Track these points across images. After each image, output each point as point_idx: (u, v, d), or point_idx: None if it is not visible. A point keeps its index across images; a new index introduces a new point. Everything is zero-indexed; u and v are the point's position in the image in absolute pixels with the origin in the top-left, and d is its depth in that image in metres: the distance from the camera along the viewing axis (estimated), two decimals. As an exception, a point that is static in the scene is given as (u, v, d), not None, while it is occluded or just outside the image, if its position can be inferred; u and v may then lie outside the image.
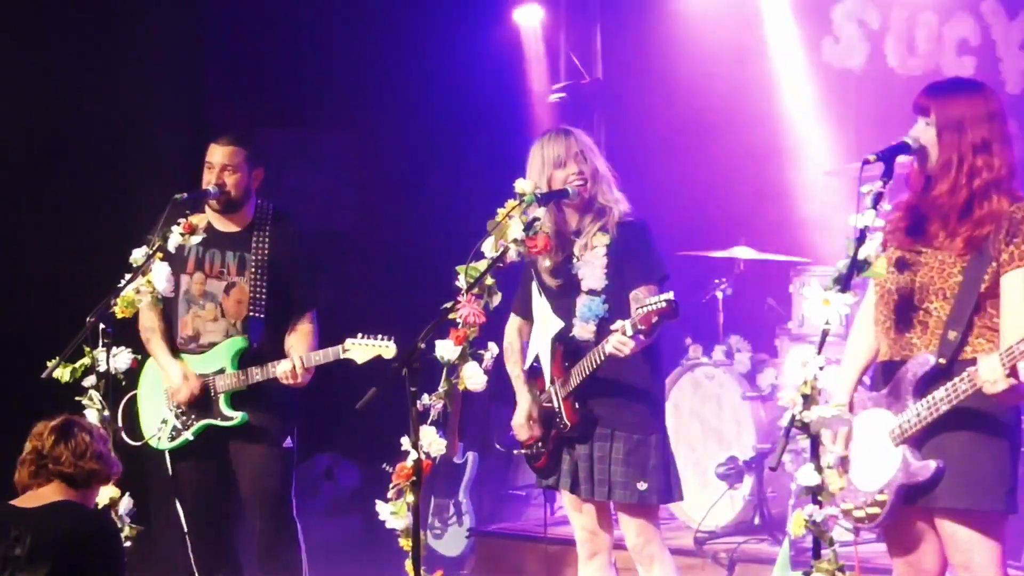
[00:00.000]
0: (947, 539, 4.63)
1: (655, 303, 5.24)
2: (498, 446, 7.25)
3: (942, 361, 4.54)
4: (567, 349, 5.65)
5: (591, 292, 5.62)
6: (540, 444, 5.76)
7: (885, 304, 4.73)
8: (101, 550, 4.75)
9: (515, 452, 5.99)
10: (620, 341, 5.29)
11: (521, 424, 5.79)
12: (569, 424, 5.62)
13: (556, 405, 5.67)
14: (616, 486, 5.59)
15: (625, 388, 5.58)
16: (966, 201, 4.57)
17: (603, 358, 5.43)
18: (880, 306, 4.75)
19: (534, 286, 5.78)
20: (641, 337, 5.28)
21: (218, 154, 6.42)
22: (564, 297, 5.69)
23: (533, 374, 5.81)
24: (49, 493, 4.79)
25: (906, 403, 4.57)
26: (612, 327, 5.36)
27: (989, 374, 4.37)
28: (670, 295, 5.25)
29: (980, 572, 4.57)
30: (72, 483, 4.80)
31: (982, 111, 4.61)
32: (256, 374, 6.35)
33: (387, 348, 6.18)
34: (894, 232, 4.72)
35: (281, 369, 6.28)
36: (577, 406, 5.61)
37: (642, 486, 5.57)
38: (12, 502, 4.82)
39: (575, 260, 5.67)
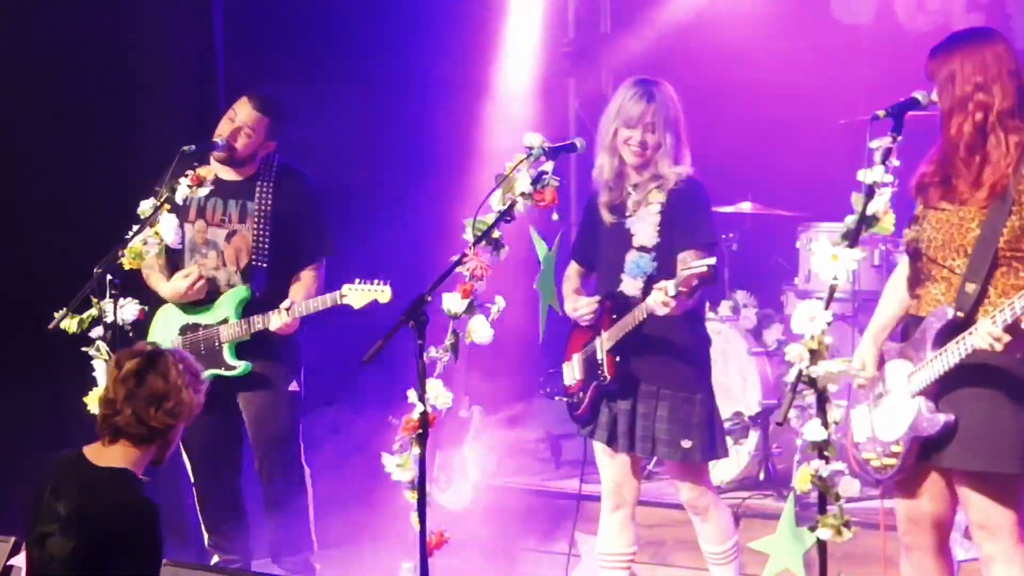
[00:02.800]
0: (963, 499, 4.64)
1: (698, 267, 5.30)
2: (542, 392, 7.35)
3: (960, 314, 4.53)
4: (615, 304, 5.74)
5: (642, 249, 5.71)
6: (581, 393, 5.85)
7: (913, 261, 4.74)
8: (131, 545, 4.25)
9: (556, 399, 6.11)
10: (661, 300, 5.34)
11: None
12: (608, 377, 5.71)
13: (600, 357, 5.75)
14: (660, 443, 5.69)
15: (672, 347, 5.67)
16: (971, 137, 4.57)
17: (646, 314, 5.51)
18: (911, 263, 4.76)
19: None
20: (683, 299, 5.34)
21: (244, 113, 6.41)
22: (614, 252, 5.77)
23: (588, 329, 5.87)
24: (112, 455, 4.37)
25: (924, 355, 4.58)
26: (656, 285, 5.42)
27: (982, 340, 4.37)
28: (712, 260, 5.31)
29: (996, 531, 4.58)
30: (140, 440, 4.36)
31: (976, 59, 4.62)
32: (258, 323, 6.37)
33: (383, 292, 6.23)
34: (925, 188, 4.73)
35: (273, 325, 6.32)
36: (619, 360, 5.67)
37: (686, 444, 5.66)
38: (86, 450, 4.41)
39: (628, 215, 5.74)
